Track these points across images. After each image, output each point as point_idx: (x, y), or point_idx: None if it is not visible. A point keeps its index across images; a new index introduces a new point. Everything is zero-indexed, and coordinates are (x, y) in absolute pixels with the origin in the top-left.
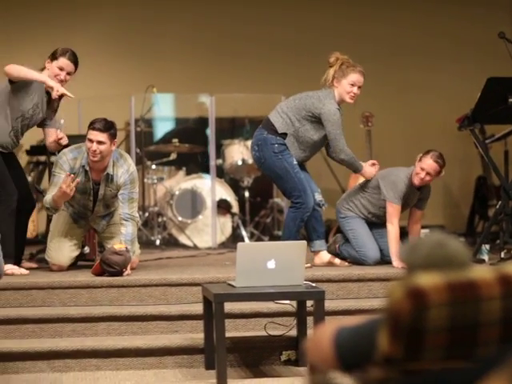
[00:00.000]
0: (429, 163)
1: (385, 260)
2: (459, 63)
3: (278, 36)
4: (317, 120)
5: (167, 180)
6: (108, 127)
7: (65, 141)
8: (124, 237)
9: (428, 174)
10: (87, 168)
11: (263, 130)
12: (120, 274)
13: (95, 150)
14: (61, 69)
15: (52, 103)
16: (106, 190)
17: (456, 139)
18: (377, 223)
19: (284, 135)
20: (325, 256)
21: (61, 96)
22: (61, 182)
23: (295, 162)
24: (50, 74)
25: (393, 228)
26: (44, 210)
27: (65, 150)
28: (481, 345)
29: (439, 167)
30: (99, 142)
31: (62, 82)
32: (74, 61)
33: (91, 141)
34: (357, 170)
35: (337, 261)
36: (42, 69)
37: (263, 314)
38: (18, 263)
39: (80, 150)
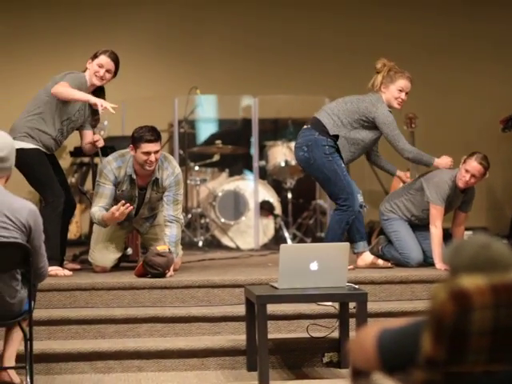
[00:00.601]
0: (473, 165)
1: (428, 262)
2: (502, 64)
3: (321, 38)
4: (369, 123)
5: (210, 181)
6: (159, 135)
7: (100, 143)
8: (168, 238)
9: (473, 176)
10: (134, 176)
11: (313, 131)
12: (163, 275)
13: (153, 161)
14: (100, 66)
15: (96, 113)
16: (152, 193)
17: (500, 141)
18: (420, 225)
19: (335, 137)
20: (368, 257)
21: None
22: (106, 193)
23: (343, 165)
24: (91, 73)
25: (436, 230)
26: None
27: (109, 159)
28: None
29: (484, 169)
30: (156, 152)
31: (101, 79)
32: (114, 59)
33: (148, 153)
34: (429, 163)
35: (380, 262)
36: (84, 70)
37: (305, 316)
38: (60, 264)
39: (124, 159)
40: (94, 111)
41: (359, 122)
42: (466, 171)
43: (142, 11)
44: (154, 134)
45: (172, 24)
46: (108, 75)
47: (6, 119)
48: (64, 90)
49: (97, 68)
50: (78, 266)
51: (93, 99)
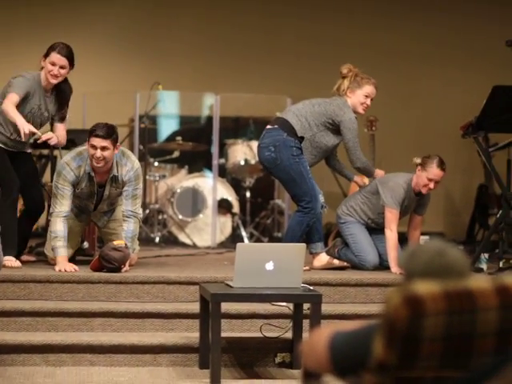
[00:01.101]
0: (436, 172)
1: (383, 265)
2: (465, 71)
3: (284, 39)
4: (334, 127)
5: (169, 178)
6: (110, 133)
7: (53, 141)
8: (125, 233)
9: (436, 182)
10: (92, 174)
11: (281, 132)
12: (118, 270)
13: (99, 157)
14: (52, 64)
15: (62, 107)
16: (111, 190)
17: (459, 147)
18: (377, 229)
19: (301, 139)
20: (324, 258)
21: (63, 95)
22: (66, 195)
23: (309, 168)
24: (46, 72)
25: (391, 234)
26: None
27: (67, 159)
28: (476, 355)
29: (444, 172)
30: (103, 148)
31: (56, 76)
32: (66, 54)
33: (95, 147)
34: (371, 174)
35: (335, 261)
36: (41, 68)
37: (259, 316)
38: (17, 256)
39: (82, 157)
40: (59, 106)
41: (325, 125)
42: (429, 180)
43: (106, 4)
44: (104, 131)
45: (135, 19)
46: (63, 71)
47: None
48: (7, 107)
49: (50, 67)
50: (33, 258)
51: (19, 123)
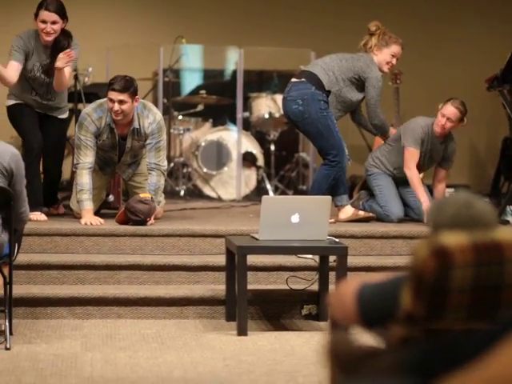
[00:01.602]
0: (450, 109)
1: (410, 216)
2: (491, 20)
3: None
4: (359, 83)
5: (193, 131)
6: (127, 86)
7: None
8: (149, 186)
9: (449, 119)
10: (113, 125)
11: (309, 85)
12: (144, 223)
13: (117, 110)
14: (43, 21)
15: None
16: (134, 142)
17: (484, 99)
18: (405, 181)
19: (328, 93)
20: (349, 209)
21: (58, 46)
22: (89, 146)
23: (335, 121)
24: (40, 32)
25: (410, 172)
26: (72, 167)
27: (88, 110)
28: (503, 306)
29: (460, 113)
30: (120, 102)
31: (49, 33)
32: (55, 9)
33: (112, 101)
34: (386, 132)
35: (361, 213)
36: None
37: (285, 268)
38: (53, 204)
39: (103, 109)
40: (57, 52)
41: (351, 80)
42: (443, 115)
43: None
44: (121, 85)
45: None
46: (55, 26)
47: None
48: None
49: (42, 25)
50: (62, 211)
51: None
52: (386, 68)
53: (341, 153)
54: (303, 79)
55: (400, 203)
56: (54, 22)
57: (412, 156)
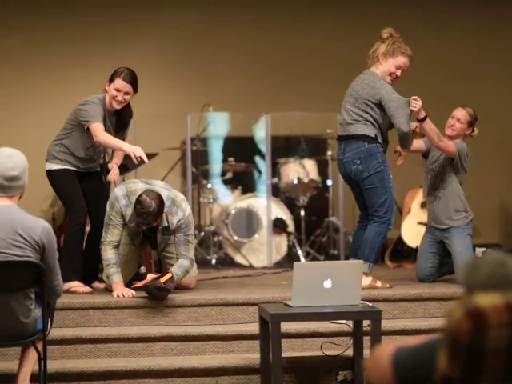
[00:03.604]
0: (459, 111)
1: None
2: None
3: (335, 53)
4: (377, 102)
5: (223, 199)
6: (135, 80)
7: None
8: (179, 264)
9: (458, 120)
10: (137, 228)
11: (361, 142)
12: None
13: (121, 101)
14: (117, 90)
15: (119, 124)
16: (164, 237)
17: None
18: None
19: (377, 139)
20: (369, 278)
21: (123, 119)
22: (118, 226)
23: (391, 176)
24: (110, 97)
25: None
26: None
27: (118, 194)
28: None
29: (470, 116)
30: (126, 93)
31: (121, 102)
32: (130, 80)
33: (119, 91)
34: (403, 147)
35: (378, 283)
36: (104, 90)
37: (319, 334)
38: (93, 280)
39: (132, 199)
40: (118, 129)
41: (369, 105)
42: (452, 117)
43: (155, 28)
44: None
45: (185, 41)
46: (127, 97)
47: (20, 137)
48: (105, 138)
49: (115, 93)
50: (102, 286)
51: (127, 148)
52: (388, 79)
53: (390, 210)
54: (351, 140)
55: (427, 265)
56: (126, 93)
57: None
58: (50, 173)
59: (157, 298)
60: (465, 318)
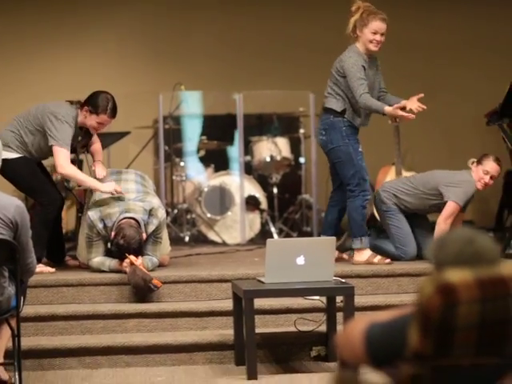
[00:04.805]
0: (492, 166)
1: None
2: (488, 59)
3: (305, 33)
4: (344, 75)
5: (195, 177)
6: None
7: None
8: (150, 261)
9: (492, 177)
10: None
11: (328, 115)
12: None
13: (99, 130)
14: (100, 123)
15: (82, 138)
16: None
17: (485, 134)
18: (407, 214)
19: (344, 112)
20: (367, 253)
21: (90, 135)
22: (100, 244)
23: (360, 149)
24: (87, 123)
25: (445, 227)
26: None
27: (94, 217)
28: (510, 341)
29: (500, 168)
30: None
31: (97, 130)
32: (114, 115)
33: (102, 124)
34: (378, 111)
35: (376, 260)
36: (71, 102)
37: (293, 310)
38: (62, 258)
39: (108, 221)
40: (88, 139)
41: (346, 84)
42: (486, 172)
43: (128, 7)
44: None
45: (157, 21)
46: (105, 127)
47: None
48: (73, 174)
49: (96, 125)
50: (77, 263)
51: (104, 189)
52: (372, 47)
53: (362, 182)
54: (323, 112)
55: (415, 243)
56: (106, 125)
57: (455, 212)
58: (8, 162)
59: (139, 290)
60: (435, 293)
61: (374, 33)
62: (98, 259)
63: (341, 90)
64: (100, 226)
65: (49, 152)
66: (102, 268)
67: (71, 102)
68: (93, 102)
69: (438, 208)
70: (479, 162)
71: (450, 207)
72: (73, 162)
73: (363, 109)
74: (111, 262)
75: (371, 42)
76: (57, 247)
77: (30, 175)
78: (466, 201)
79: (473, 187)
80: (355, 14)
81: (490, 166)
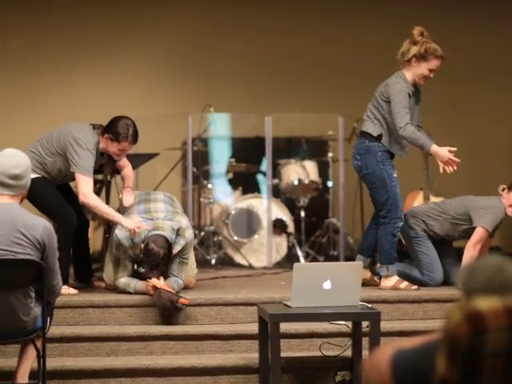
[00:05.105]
0: None
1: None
2: None
3: (337, 55)
4: (387, 100)
5: (223, 199)
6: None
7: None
8: (175, 282)
9: None
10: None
11: (363, 139)
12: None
13: (121, 156)
14: (122, 150)
15: (107, 163)
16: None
17: None
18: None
19: (380, 138)
20: (394, 279)
21: (114, 160)
22: (127, 264)
23: (395, 175)
24: (109, 149)
25: (474, 252)
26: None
27: (121, 236)
28: None
29: None
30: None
31: (120, 157)
32: (135, 141)
33: (123, 151)
34: (423, 147)
35: (402, 285)
36: (94, 126)
37: (318, 335)
38: (90, 278)
39: (138, 238)
40: (108, 162)
41: (387, 109)
42: None
43: (156, 30)
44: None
45: (186, 42)
46: (127, 152)
47: (23, 137)
48: (95, 205)
49: (118, 152)
50: (103, 285)
51: (126, 224)
52: (422, 81)
53: (393, 208)
54: (360, 137)
55: (442, 269)
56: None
57: (484, 237)
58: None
59: (167, 310)
60: (463, 321)
61: (431, 70)
62: (125, 279)
63: (381, 114)
64: (127, 243)
65: (68, 177)
66: (128, 289)
67: (94, 126)
68: (113, 130)
69: (467, 234)
70: (510, 189)
71: (479, 233)
72: (101, 182)
73: (405, 139)
74: (137, 284)
75: (425, 77)
76: (84, 267)
77: (45, 196)
78: (494, 226)
79: (502, 213)
80: (416, 42)
81: None
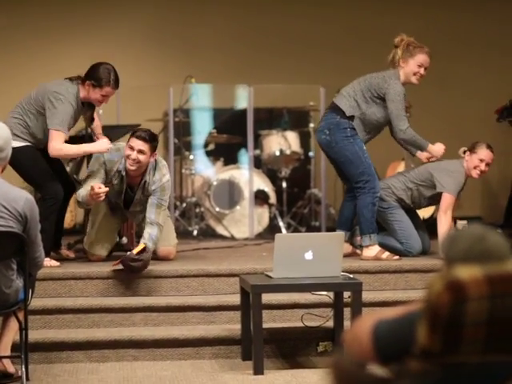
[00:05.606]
0: (486, 153)
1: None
2: (497, 54)
3: (317, 28)
4: (382, 101)
5: (205, 170)
6: (152, 139)
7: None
8: (149, 235)
9: (487, 164)
10: (123, 173)
11: (334, 115)
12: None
13: (135, 159)
14: (104, 96)
15: (86, 112)
16: (141, 196)
17: (495, 130)
18: (407, 210)
19: (352, 118)
20: (375, 249)
21: (93, 106)
22: (97, 176)
23: (364, 147)
24: (89, 97)
25: (446, 218)
26: (76, 203)
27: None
28: None
29: (493, 155)
30: (140, 152)
31: (101, 103)
32: (117, 86)
33: (132, 148)
34: (422, 148)
35: (384, 255)
36: (70, 78)
37: (300, 305)
38: (57, 248)
39: (119, 154)
40: (87, 111)
41: (373, 100)
42: (481, 160)
43: (139, 2)
44: (146, 135)
45: (167, 14)
46: (109, 99)
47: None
48: (66, 152)
49: (101, 98)
50: (72, 255)
51: (96, 148)
52: (414, 79)
53: (372, 178)
54: (329, 110)
55: (417, 235)
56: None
57: (451, 202)
58: (13, 150)
59: (133, 270)
60: (444, 290)
61: (420, 65)
62: (80, 190)
63: (364, 102)
64: (109, 156)
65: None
66: (78, 199)
67: (70, 79)
68: (94, 76)
69: (433, 200)
70: (472, 151)
71: (446, 199)
72: (83, 136)
73: (403, 141)
74: (83, 191)
75: (415, 74)
76: (55, 235)
77: (32, 166)
78: (458, 190)
79: (463, 176)
80: (399, 45)
81: (485, 153)
